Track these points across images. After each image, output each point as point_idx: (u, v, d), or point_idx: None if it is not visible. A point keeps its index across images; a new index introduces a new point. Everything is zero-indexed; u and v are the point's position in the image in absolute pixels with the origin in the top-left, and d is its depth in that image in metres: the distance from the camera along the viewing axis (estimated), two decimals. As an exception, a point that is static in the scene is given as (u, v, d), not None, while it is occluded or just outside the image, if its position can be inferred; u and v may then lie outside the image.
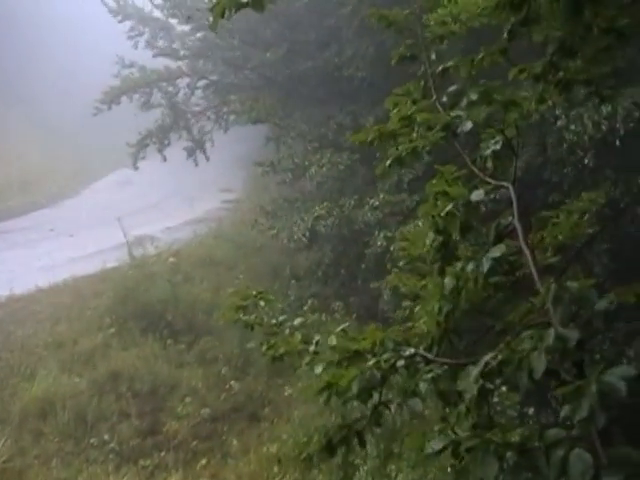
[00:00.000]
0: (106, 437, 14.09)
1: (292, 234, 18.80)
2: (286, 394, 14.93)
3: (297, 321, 5.46)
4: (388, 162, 5.21)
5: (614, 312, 3.74)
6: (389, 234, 15.25)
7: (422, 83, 5.55)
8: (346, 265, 18.57)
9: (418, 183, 15.45)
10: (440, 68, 5.49)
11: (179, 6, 26.65)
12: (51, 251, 23.97)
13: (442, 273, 4.66)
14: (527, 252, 4.17)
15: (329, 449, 4.67)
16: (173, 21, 28.39)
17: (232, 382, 16.00)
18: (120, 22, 28.48)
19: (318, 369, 4.59)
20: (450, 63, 5.45)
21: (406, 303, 6.01)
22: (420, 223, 5.83)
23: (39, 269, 21.74)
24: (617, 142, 11.21)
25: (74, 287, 20.93)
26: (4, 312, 19.01)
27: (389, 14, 6.12)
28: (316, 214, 18.09)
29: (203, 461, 13.47)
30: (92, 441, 13.98)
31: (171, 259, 21.60)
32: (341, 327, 4.91)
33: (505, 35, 4.95)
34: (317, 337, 5.03)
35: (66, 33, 49.81)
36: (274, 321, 5.51)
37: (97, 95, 27.84)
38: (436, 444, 3.79)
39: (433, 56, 5.77)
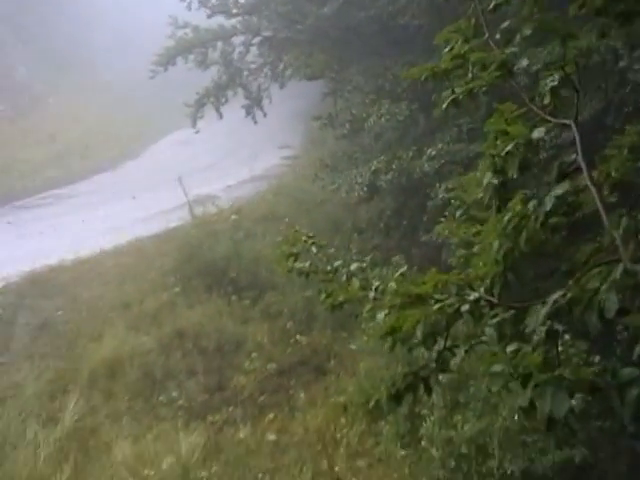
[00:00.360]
0: (174, 394, 14.26)
1: (352, 188, 18.66)
2: (351, 347, 14.89)
3: (354, 266, 5.33)
4: (444, 104, 5.07)
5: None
6: (450, 186, 15.03)
7: (473, 21, 5.34)
8: (408, 216, 18.39)
9: (477, 132, 15.22)
10: (492, 4, 5.27)
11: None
12: (114, 213, 24.25)
13: (499, 212, 4.53)
14: (593, 189, 4.02)
15: (396, 397, 4.60)
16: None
17: (297, 336, 16.03)
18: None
19: (380, 315, 4.49)
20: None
21: (460, 251, 5.85)
22: (478, 174, 5.64)
23: (103, 231, 21.95)
24: None
25: (138, 248, 21.14)
26: (71, 275, 19.26)
27: None
28: (374, 168, 17.90)
29: (271, 415, 13.57)
30: (161, 399, 14.17)
31: (233, 216, 21.62)
32: (400, 272, 4.78)
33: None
34: (376, 283, 4.90)
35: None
36: (329, 267, 5.38)
37: (153, 57, 27.95)
38: (504, 367, 3.67)
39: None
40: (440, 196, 15.38)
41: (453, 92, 5.04)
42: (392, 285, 4.63)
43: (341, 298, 5.04)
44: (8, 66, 41.49)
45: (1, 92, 38.97)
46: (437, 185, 15.79)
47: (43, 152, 33.71)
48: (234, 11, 28.18)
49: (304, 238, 5.70)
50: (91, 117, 38.69)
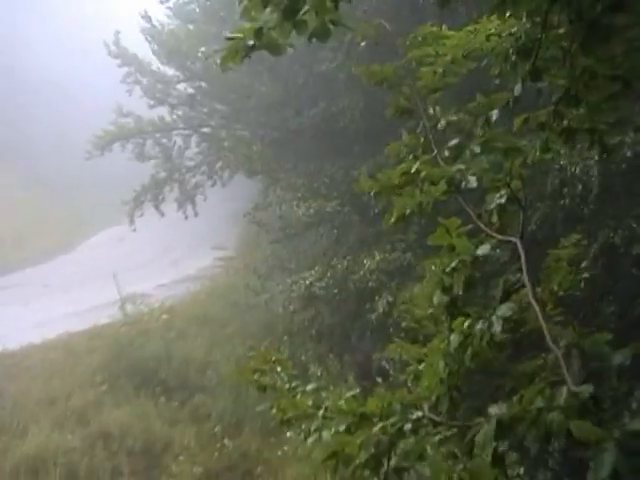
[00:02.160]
0: (99, 496, 13.96)
1: (287, 298, 18.72)
2: (279, 453, 14.74)
3: (309, 387, 5.38)
4: (393, 219, 5.10)
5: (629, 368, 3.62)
6: (390, 298, 15.05)
7: (422, 137, 5.45)
8: (340, 323, 18.44)
9: (408, 243, 15.60)
10: (443, 123, 5.39)
11: (175, 54, 26.41)
12: (45, 307, 23.87)
13: (451, 331, 4.57)
14: (537, 309, 4.07)
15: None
16: (170, 71, 28.15)
17: (225, 440, 15.81)
18: (120, 67, 28.17)
19: (326, 435, 4.52)
20: (453, 118, 5.37)
21: (410, 368, 5.87)
22: (425, 282, 5.67)
23: (33, 325, 21.58)
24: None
25: (67, 343, 20.79)
26: (-3, 368, 18.87)
27: (379, 70, 5.86)
28: (310, 280, 17.93)
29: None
30: (84, 499, 13.85)
31: (164, 316, 21.51)
32: (351, 393, 4.80)
33: (519, 85, 4.82)
34: (327, 402, 4.92)
35: (64, 86, 49.87)
36: (287, 386, 5.45)
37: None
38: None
39: (431, 110, 5.64)
40: (381, 310, 15.36)
41: (403, 206, 5.05)
42: (342, 405, 4.66)
43: (291, 414, 5.07)
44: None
45: None
46: (376, 299, 15.81)
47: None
48: (176, 102, 27.93)
49: (273, 358, 5.77)
50: (27, 208, 38.28)
